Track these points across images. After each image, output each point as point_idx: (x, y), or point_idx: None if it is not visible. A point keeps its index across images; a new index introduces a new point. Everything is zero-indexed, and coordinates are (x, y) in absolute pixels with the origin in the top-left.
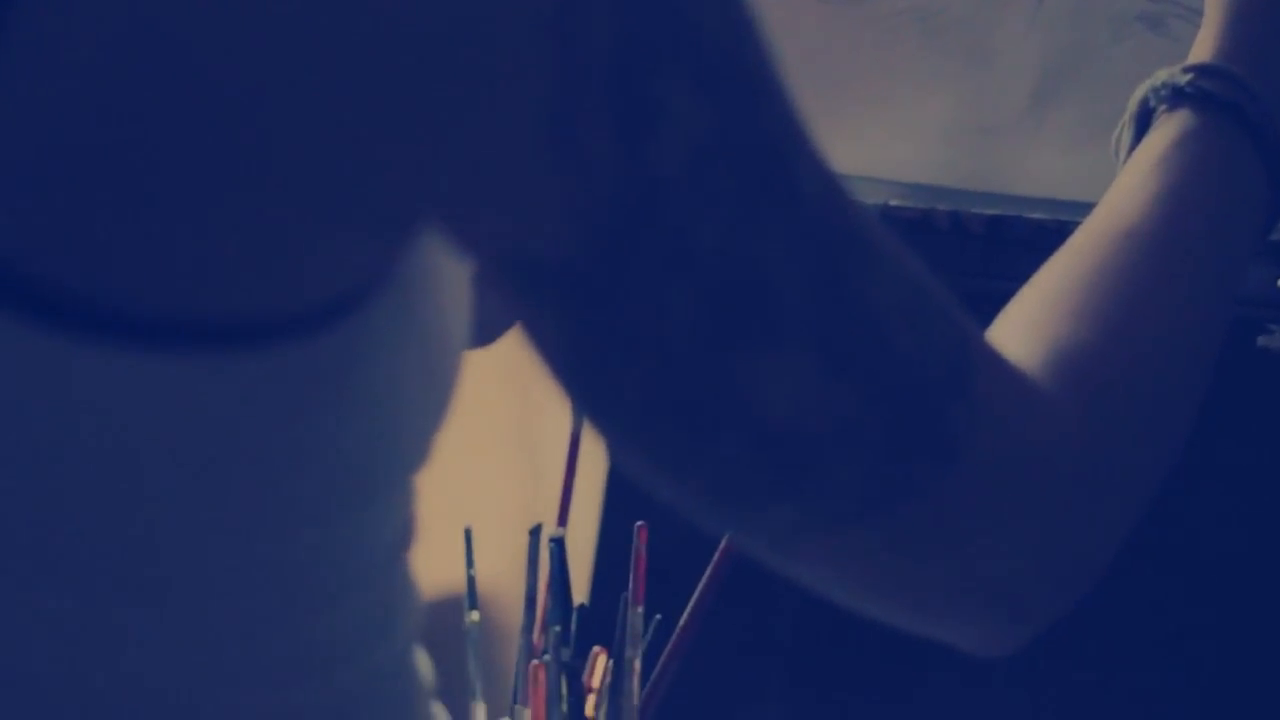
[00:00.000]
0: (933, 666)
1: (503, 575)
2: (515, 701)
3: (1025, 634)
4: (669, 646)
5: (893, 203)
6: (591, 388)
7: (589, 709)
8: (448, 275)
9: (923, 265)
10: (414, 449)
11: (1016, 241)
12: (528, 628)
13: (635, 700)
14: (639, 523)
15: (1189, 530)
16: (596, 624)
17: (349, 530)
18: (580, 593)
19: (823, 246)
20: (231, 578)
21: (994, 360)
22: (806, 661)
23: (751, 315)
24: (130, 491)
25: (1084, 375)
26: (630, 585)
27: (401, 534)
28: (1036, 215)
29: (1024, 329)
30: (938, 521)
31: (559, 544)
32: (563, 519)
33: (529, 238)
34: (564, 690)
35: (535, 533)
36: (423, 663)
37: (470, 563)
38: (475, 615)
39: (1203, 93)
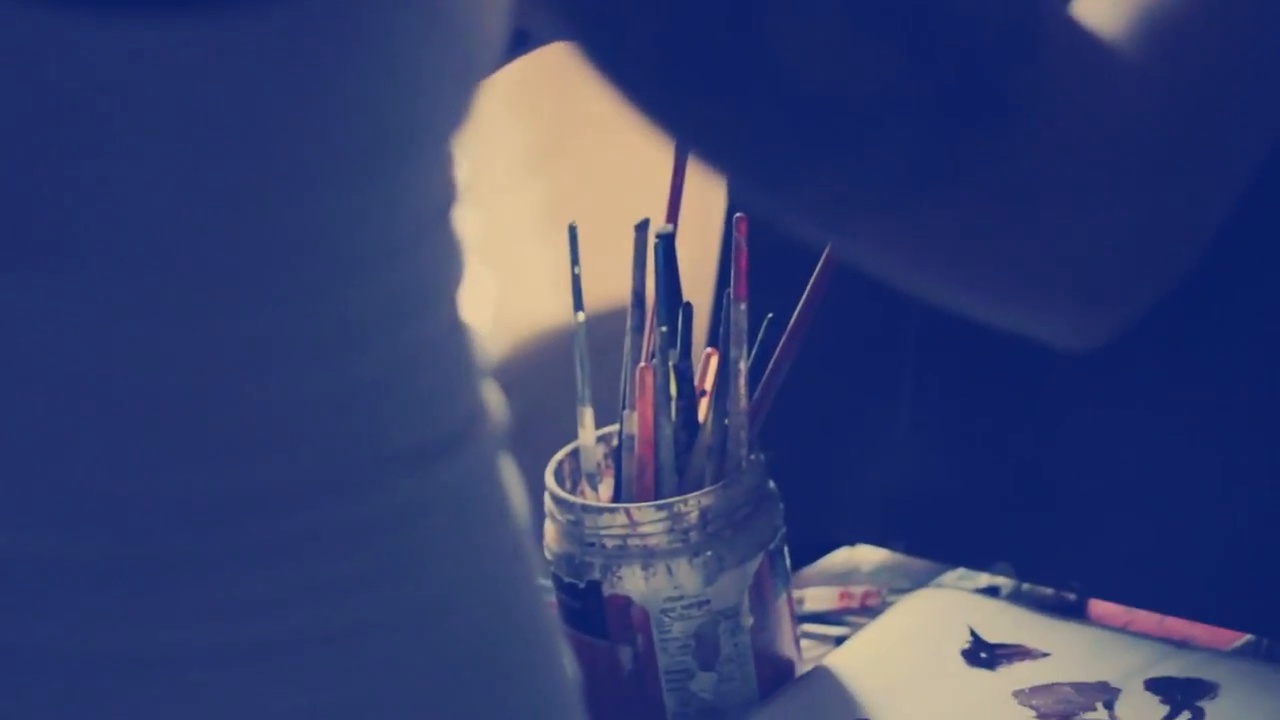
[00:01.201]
0: (1066, 369)
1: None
2: (624, 407)
3: (1112, 324)
4: (779, 347)
5: None
6: (609, 44)
7: (701, 413)
8: None
9: None
10: (442, 106)
11: None
12: (636, 328)
13: (743, 403)
14: (738, 214)
15: None
16: (716, 329)
17: (371, 196)
18: (704, 296)
19: None
20: (242, 248)
21: (1066, 21)
22: (935, 367)
23: None
24: (133, 163)
25: (1172, 45)
26: (732, 281)
27: (438, 202)
28: None
29: None
30: (1002, 196)
31: (667, 240)
32: (672, 215)
33: None
34: (673, 393)
35: (641, 228)
36: (472, 341)
37: (575, 260)
38: (581, 316)
39: None
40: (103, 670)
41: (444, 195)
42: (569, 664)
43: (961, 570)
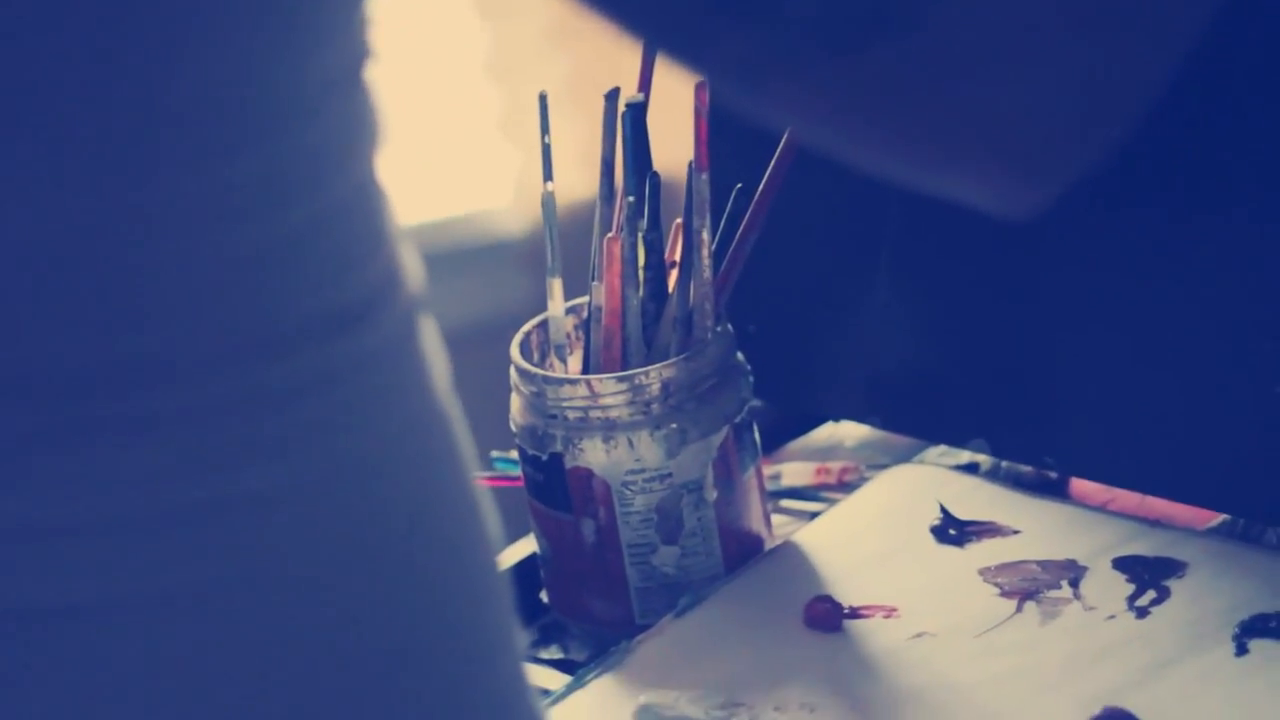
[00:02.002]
0: (1049, 244)
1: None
2: (592, 278)
3: (1045, 192)
4: (746, 218)
5: None
6: None
7: (670, 286)
8: None
9: None
10: None
11: None
12: (605, 199)
13: (707, 274)
14: (699, 81)
15: None
16: None
17: (271, 54)
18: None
19: None
20: (130, 110)
21: None
22: (915, 241)
23: None
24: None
25: None
26: (693, 150)
27: (347, 61)
28: None
29: None
30: (916, 59)
31: (636, 109)
32: (643, 85)
33: None
34: (641, 264)
35: (611, 97)
36: (387, 204)
37: (545, 130)
38: (550, 186)
39: None
40: (11, 536)
41: (354, 54)
42: (495, 534)
43: (943, 447)
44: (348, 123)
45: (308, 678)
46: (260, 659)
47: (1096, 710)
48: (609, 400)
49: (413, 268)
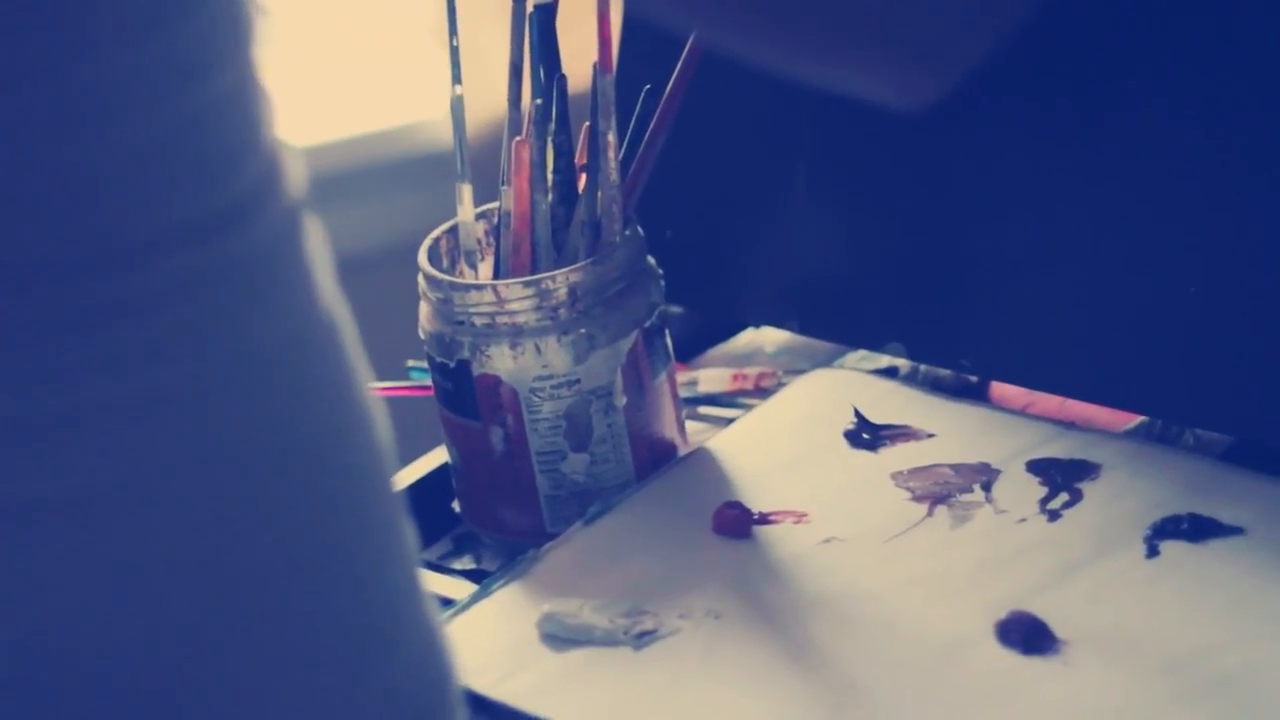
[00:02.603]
0: (966, 144)
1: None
2: (502, 183)
3: (938, 83)
4: (653, 120)
5: None
6: None
7: (579, 188)
8: None
9: None
10: None
11: None
12: (513, 102)
13: (613, 177)
14: None
15: None
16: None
17: None
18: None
19: None
20: None
21: None
22: (832, 144)
23: None
24: None
25: None
26: (597, 50)
27: None
28: None
29: None
30: None
31: (544, 11)
32: None
33: None
34: (550, 168)
35: (520, 0)
36: (264, 105)
37: (454, 32)
38: (459, 89)
39: None
40: None
41: None
42: (387, 442)
43: (863, 352)
44: (223, 19)
45: (182, 586)
46: (132, 567)
47: (1002, 614)
48: (515, 306)
49: (295, 169)
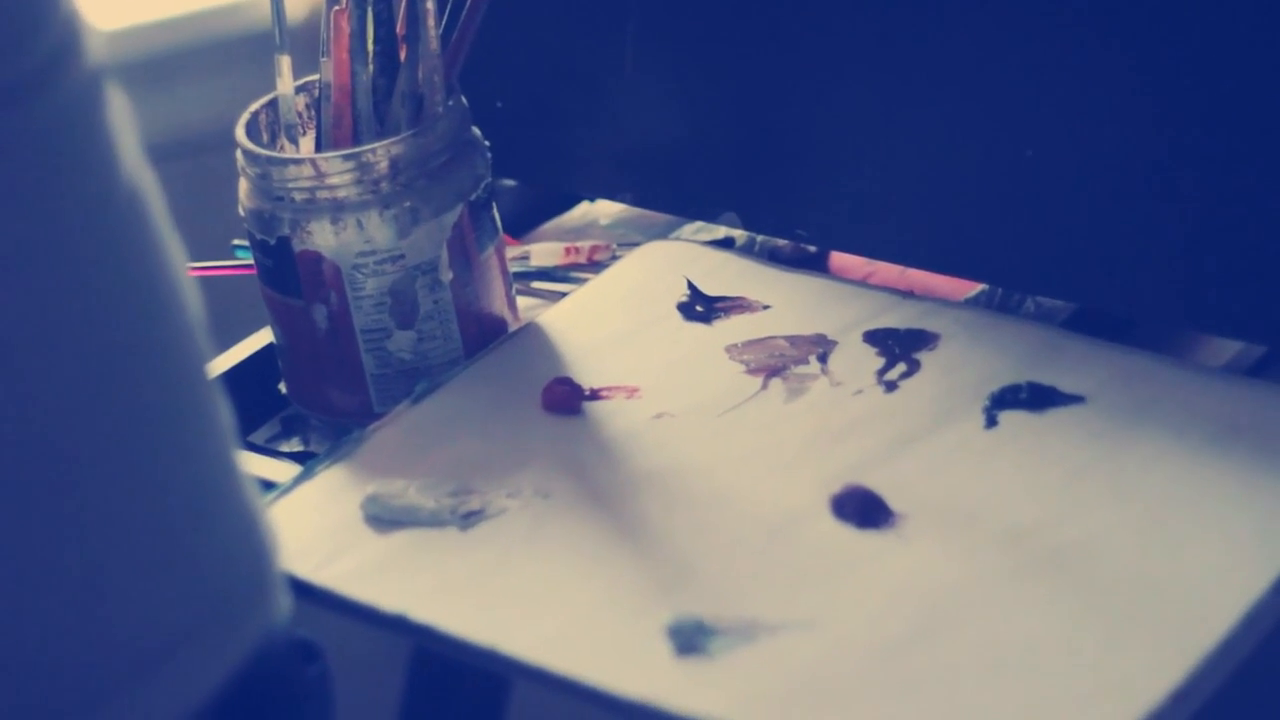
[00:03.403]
0: (799, 11)
1: None
2: (322, 54)
3: None
4: None
5: None
6: None
7: (400, 58)
8: None
9: None
10: None
11: None
12: None
13: (434, 46)
14: None
15: None
16: None
17: None
18: None
19: None
20: None
21: None
22: (661, 13)
23: None
24: None
25: None
26: None
27: None
28: None
29: None
30: None
31: None
32: None
33: None
34: (370, 37)
35: None
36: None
37: None
38: None
39: None
40: None
41: None
42: (197, 319)
43: (699, 223)
44: None
45: None
46: None
47: (837, 488)
48: (336, 180)
49: (93, 39)
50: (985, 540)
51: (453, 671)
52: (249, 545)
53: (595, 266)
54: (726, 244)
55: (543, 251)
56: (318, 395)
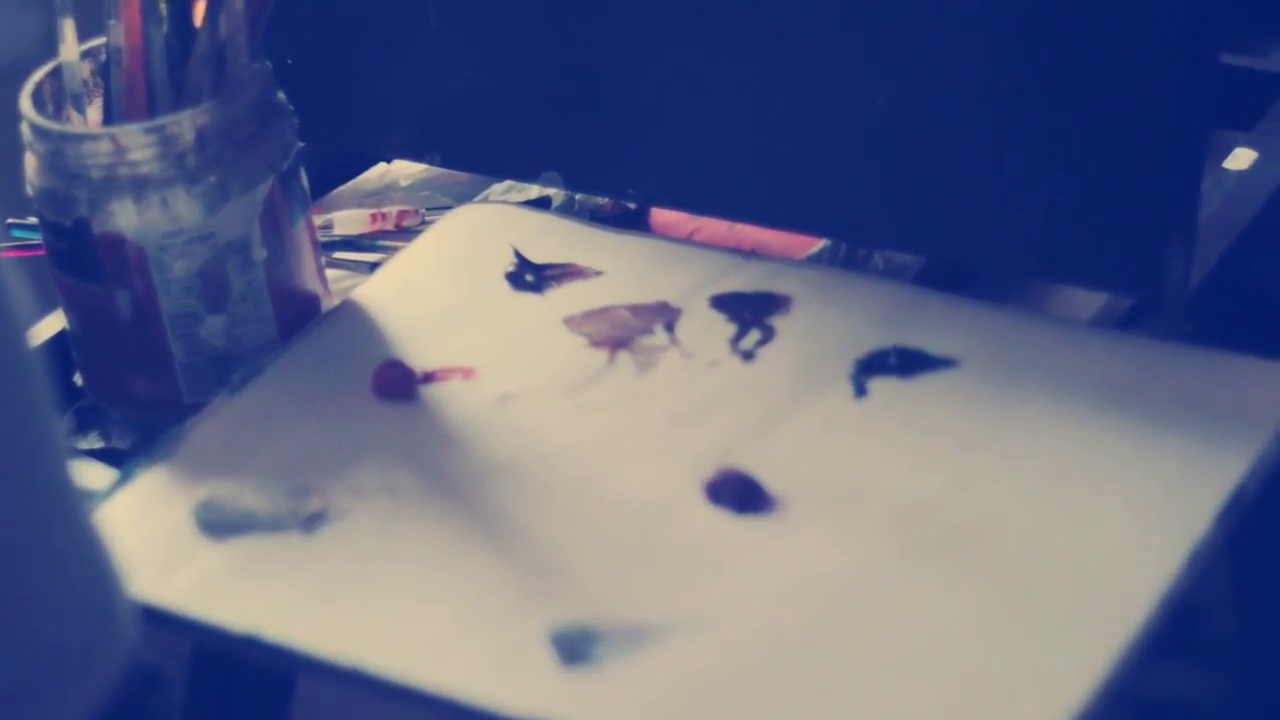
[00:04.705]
0: None
1: None
2: (108, 16)
3: None
4: None
5: None
6: None
7: (196, 19)
8: None
9: None
10: None
11: None
12: None
13: (239, 4)
14: None
15: None
16: None
17: None
18: None
19: None
20: None
21: None
22: None
23: None
24: None
25: None
26: None
27: None
28: None
29: None
30: None
31: None
32: None
33: None
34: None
35: None
36: None
37: None
38: None
39: None
40: None
41: None
42: (23, 308)
43: (509, 182)
44: None
45: None
46: None
47: (709, 472)
48: (138, 155)
49: None
50: (873, 522)
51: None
52: (94, 570)
53: (404, 234)
54: (543, 204)
55: (346, 219)
56: (119, 386)
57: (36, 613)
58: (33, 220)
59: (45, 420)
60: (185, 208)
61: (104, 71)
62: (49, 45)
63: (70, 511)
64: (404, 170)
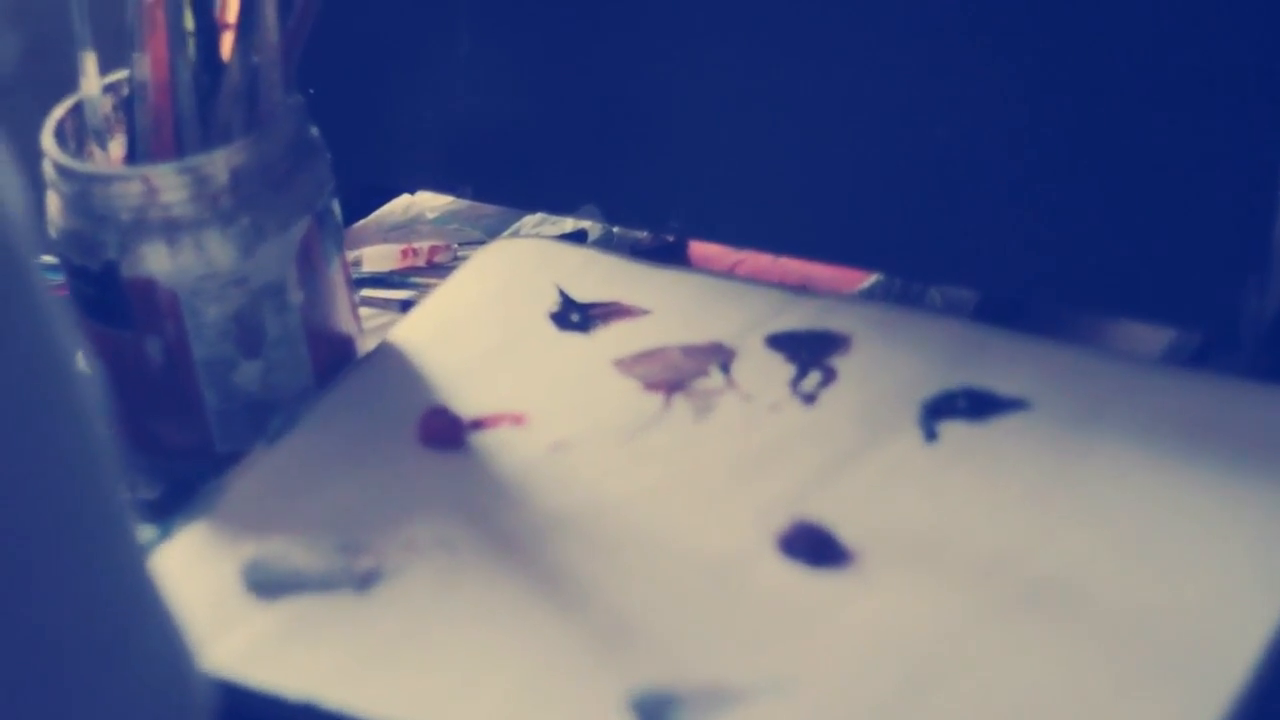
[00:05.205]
0: None
1: None
2: (133, 49)
3: None
4: None
5: None
6: None
7: (225, 51)
8: None
9: None
10: None
11: None
12: None
13: (272, 36)
14: None
15: None
16: None
17: None
18: None
19: None
20: None
21: None
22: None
23: None
24: None
25: None
26: None
27: None
28: None
29: None
30: None
31: None
32: None
33: None
34: (190, 29)
35: None
36: None
37: None
38: None
39: None
40: None
41: None
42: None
43: (541, 215)
44: None
45: None
46: None
47: (779, 523)
48: (170, 196)
49: None
50: (955, 575)
51: None
52: (170, 650)
53: (436, 270)
54: (579, 237)
55: (375, 255)
56: (146, 433)
57: (113, 690)
58: (49, 259)
59: (113, 483)
60: (219, 250)
61: (127, 106)
62: (24, 65)
63: (142, 582)
64: (429, 203)
